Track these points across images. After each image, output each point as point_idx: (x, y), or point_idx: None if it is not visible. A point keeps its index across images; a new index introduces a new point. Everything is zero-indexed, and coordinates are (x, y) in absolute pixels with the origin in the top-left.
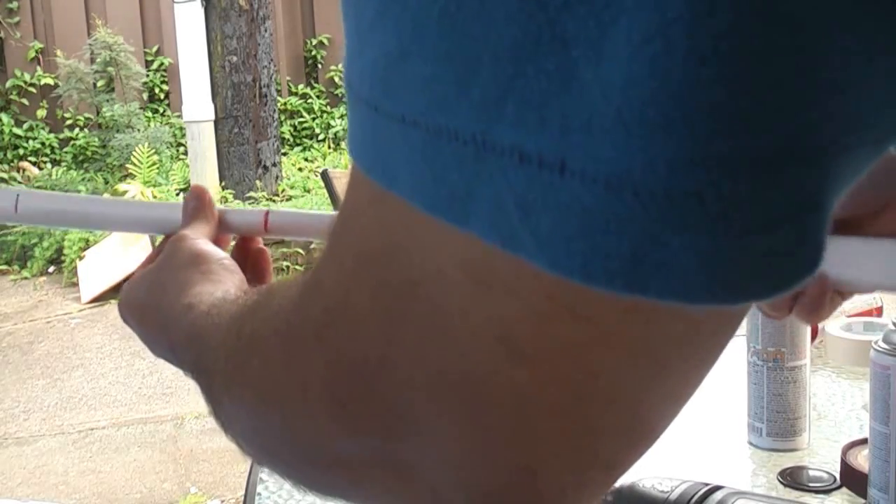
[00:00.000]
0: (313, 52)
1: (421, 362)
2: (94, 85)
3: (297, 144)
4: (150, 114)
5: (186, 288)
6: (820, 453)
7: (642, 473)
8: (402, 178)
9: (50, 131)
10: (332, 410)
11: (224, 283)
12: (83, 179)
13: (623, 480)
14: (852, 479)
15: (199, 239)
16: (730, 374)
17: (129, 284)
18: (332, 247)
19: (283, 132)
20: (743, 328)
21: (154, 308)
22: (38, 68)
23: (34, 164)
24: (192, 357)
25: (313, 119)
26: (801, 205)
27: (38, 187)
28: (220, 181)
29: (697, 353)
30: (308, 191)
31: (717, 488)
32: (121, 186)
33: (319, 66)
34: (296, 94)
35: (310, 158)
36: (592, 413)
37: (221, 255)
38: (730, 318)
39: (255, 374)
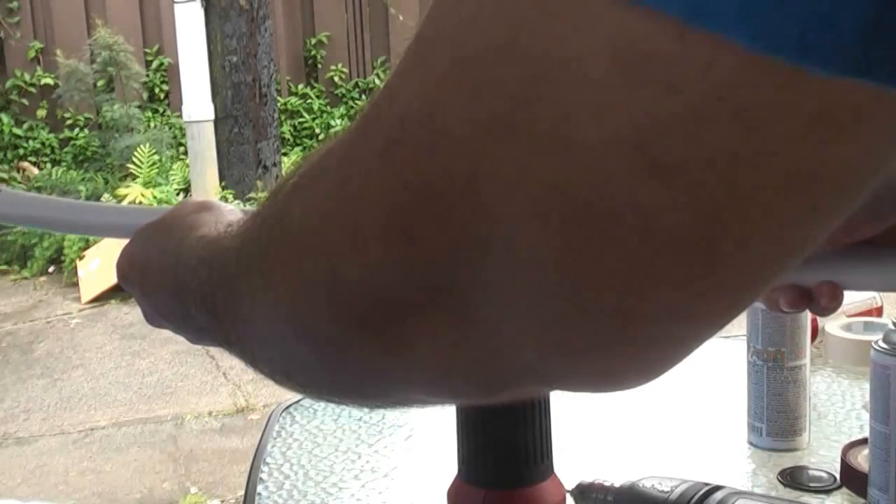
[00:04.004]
0: (313, 52)
1: (527, 177)
2: (94, 85)
3: (297, 144)
4: (150, 114)
5: (196, 227)
6: (820, 453)
7: (642, 473)
8: None
9: (50, 131)
10: (391, 243)
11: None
12: (83, 179)
13: (623, 480)
14: (852, 478)
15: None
16: (730, 374)
17: (129, 243)
18: (414, 56)
19: (283, 132)
20: (743, 328)
21: (158, 252)
22: (38, 68)
23: (34, 164)
24: (204, 276)
25: (313, 119)
26: None
27: (38, 187)
28: (221, 181)
29: (852, 192)
30: None
31: (717, 488)
32: (121, 187)
33: (319, 65)
34: (296, 93)
35: None
36: (719, 253)
37: (232, 206)
38: None
39: (295, 225)
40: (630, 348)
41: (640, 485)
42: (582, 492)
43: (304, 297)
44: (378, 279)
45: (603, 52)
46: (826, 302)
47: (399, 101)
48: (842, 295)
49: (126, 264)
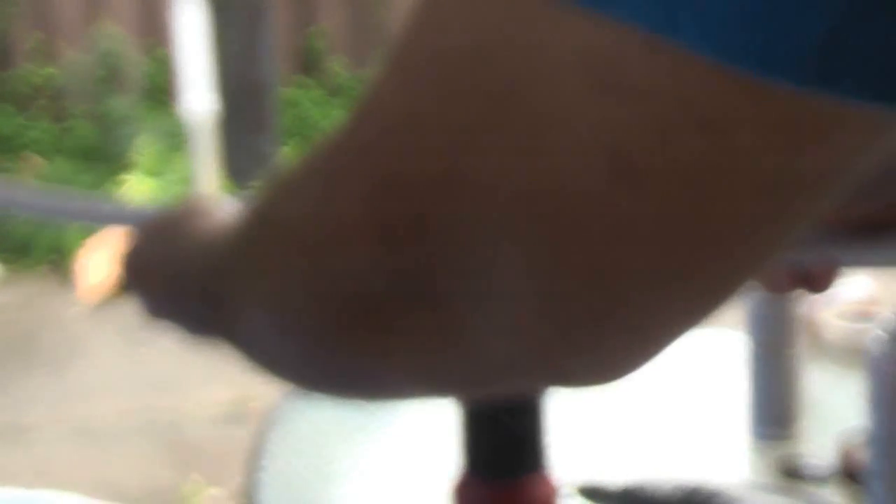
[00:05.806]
0: (313, 43)
1: (501, 181)
2: (95, 77)
3: (298, 135)
4: (150, 105)
5: (198, 222)
6: (818, 444)
7: (642, 473)
8: None
9: (51, 122)
10: (371, 243)
11: None
12: (84, 170)
13: (623, 481)
14: (850, 469)
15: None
16: (727, 366)
17: (132, 238)
18: (396, 59)
19: (283, 123)
20: (740, 321)
21: (161, 248)
22: (40, 60)
23: (35, 154)
24: (202, 271)
25: (314, 110)
26: None
27: (40, 178)
28: (221, 172)
29: (823, 197)
30: None
31: (717, 489)
32: (121, 178)
33: (320, 57)
34: (296, 85)
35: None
36: (690, 258)
37: (235, 202)
38: (871, 150)
39: (283, 223)
40: (605, 349)
41: (641, 485)
42: (582, 492)
43: (290, 294)
44: (359, 278)
45: (575, 60)
46: (823, 280)
47: (381, 103)
48: (839, 273)
49: (130, 260)
